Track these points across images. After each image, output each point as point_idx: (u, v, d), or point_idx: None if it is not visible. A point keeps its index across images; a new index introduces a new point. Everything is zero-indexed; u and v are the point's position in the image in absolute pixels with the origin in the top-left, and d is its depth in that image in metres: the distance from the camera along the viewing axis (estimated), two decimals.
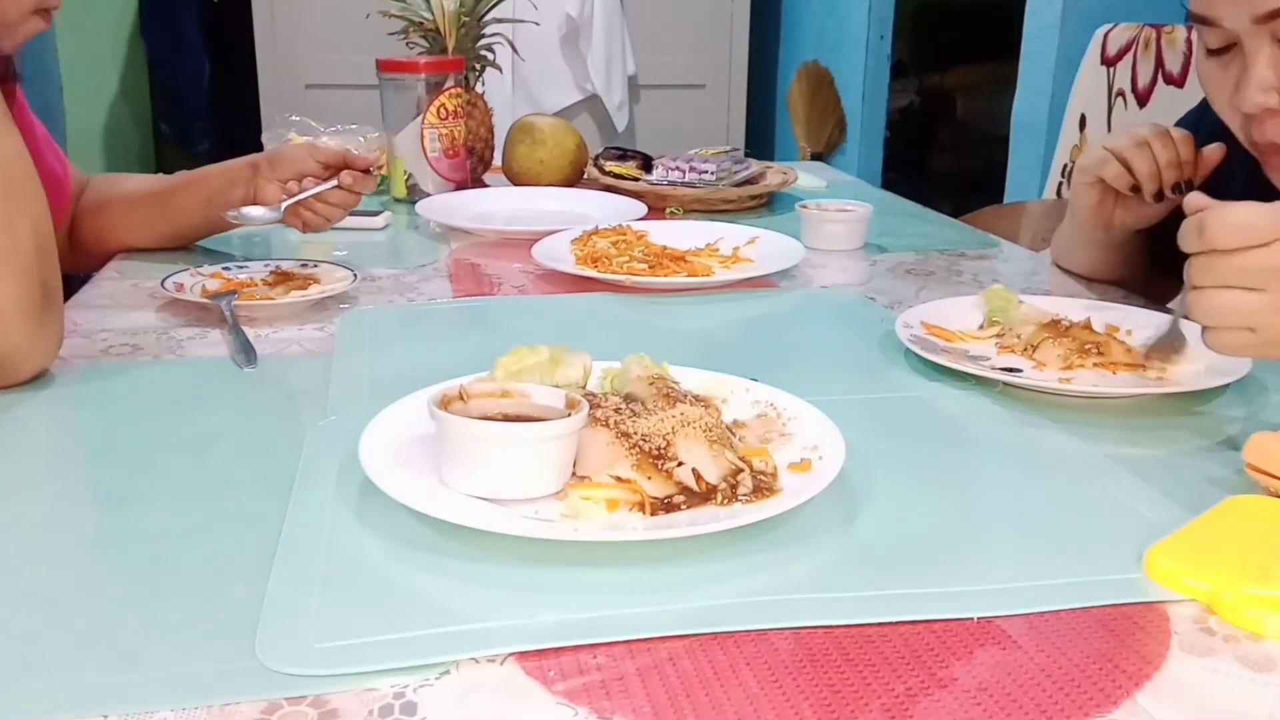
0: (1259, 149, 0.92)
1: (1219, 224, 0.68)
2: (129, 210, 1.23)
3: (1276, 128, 0.88)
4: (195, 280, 1.06)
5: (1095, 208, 1.07)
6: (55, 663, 0.49)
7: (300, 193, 1.15)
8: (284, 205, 1.15)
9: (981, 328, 0.96)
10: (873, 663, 0.49)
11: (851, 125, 3.41)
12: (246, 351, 0.89)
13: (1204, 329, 0.71)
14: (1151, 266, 1.15)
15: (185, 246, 1.26)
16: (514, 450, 0.62)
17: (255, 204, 1.15)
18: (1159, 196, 1.01)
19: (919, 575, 0.57)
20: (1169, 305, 0.97)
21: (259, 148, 1.48)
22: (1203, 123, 1.02)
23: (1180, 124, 1.11)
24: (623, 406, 0.68)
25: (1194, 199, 0.71)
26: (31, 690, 0.47)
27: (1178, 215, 1.03)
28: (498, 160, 1.67)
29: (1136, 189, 1.02)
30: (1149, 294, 1.14)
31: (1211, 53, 0.91)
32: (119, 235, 1.24)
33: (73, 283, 1.02)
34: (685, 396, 0.70)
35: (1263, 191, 0.96)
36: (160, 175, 1.27)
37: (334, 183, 1.16)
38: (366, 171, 1.17)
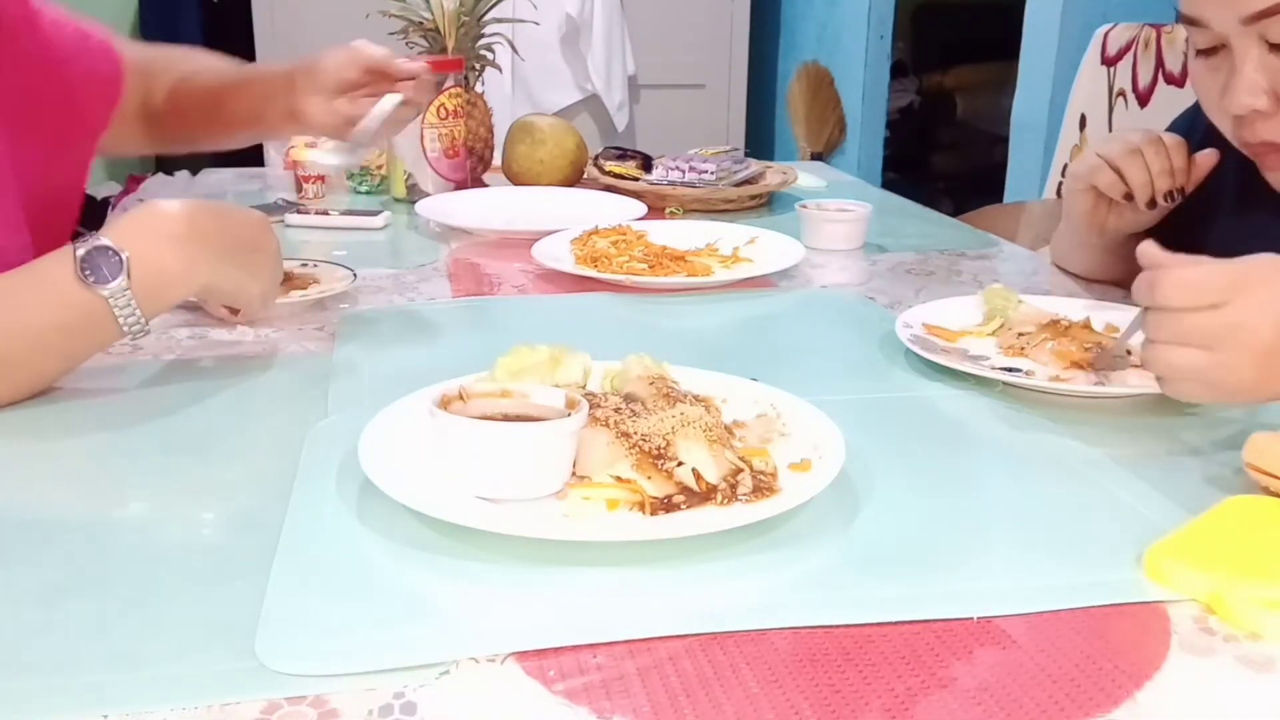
0: (1252, 149, 0.92)
1: (1170, 284, 0.67)
2: (192, 113, 1.14)
3: (1266, 128, 0.88)
4: None
5: (1088, 214, 1.07)
6: (55, 663, 0.49)
7: (357, 112, 1.04)
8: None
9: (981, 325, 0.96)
10: (873, 662, 0.49)
11: (851, 125, 3.41)
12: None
13: (1159, 378, 0.71)
14: None
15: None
16: (514, 450, 0.62)
17: (299, 120, 1.05)
18: (1152, 204, 1.01)
19: (919, 575, 0.57)
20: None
21: (259, 147, 1.48)
22: (1196, 125, 1.02)
23: (1173, 126, 1.10)
24: (623, 406, 0.68)
25: (1146, 251, 0.71)
26: (31, 690, 0.47)
27: (1175, 217, 1.03)
28: (498, 160, 1.67)
29: (1130, 196, 1.02)
30: None
31: (1201, 53, 0.91)
32: (193, 135, 1.18)
33: None
34: (685, 396, 0.70)
35: (1255, 194, 0.96)
36: (219, 71, 1.16)
37: (395, 99, 1.05)
38: (417, 78, 1.06)
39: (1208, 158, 1.00)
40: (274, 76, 1.06)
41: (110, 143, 1.10)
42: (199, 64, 1.16)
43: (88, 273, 0.74)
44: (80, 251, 0.74)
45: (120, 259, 0.75)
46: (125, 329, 0.77)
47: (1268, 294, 0.66)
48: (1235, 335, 0.66)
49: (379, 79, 1.04)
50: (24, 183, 0.93)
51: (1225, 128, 0.93)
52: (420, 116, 1.40)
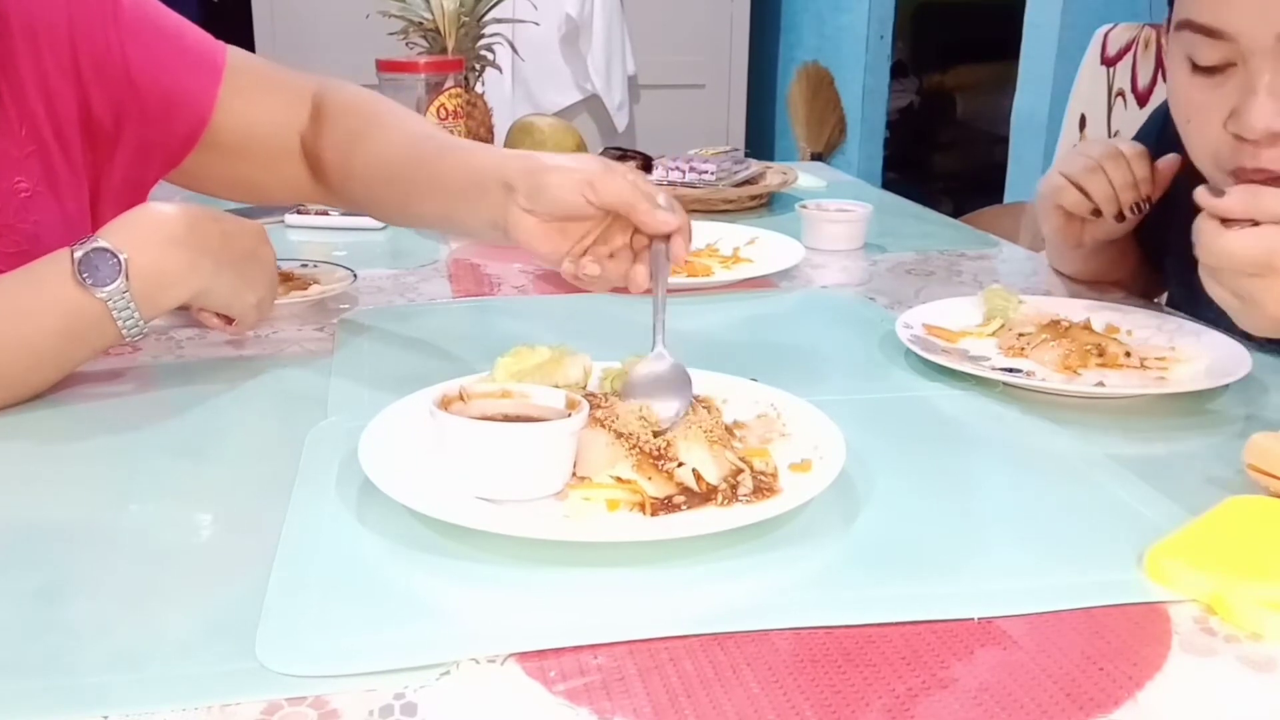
0: (1243, 174, 0.82)
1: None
2: (371, 185, 0.92)
3: (1273, 155, 0.81)
4: None
5: (1061, 230, 1.07)
6: (56, 663, 0.49)
7: (600, 270, 0.77)
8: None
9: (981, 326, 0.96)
10: (873, 663, 0.49)
11: (851, 125, 3.41)
12: None
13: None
14: (1142, 264, 1.15)
15: None
16: (514, 450, 0.62)
17: (507, 235, 0.77)
18: (1120, 217, 1.01)
19: (919, 575, 0.57)
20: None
21: None
22: (1166, 127, 1.01)
23: (1140, 134, 1.10)
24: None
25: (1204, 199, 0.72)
26: (32, 690, 0.47)
27: (1162, 213, 1.03)
28: None
29: (1098, 212, 1.01)
30: (1146, 292, 1.14)
31: (1200, 69, 0.83)
32: (363, 204, 0.98)
33: None
34: None
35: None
36: (408, 141, 0.90)
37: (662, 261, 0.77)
38: (670, 236, 0.77)
39: (1169, 164, 0.99)
40: (486, 178, 0.79)
41: (270, 188, 1.02)
42: (388, 122, 0.94)
43: (85, 275, 0.74)
44: (78, 253, 0.74)
45: (119, 260, 0.74)
46: (124, 331, 0.76)
47: None
48: None
49: (615, 221, 0.77)
50: (101, 200, 0.92)
51: (1208, 147, 0.86)
52: None
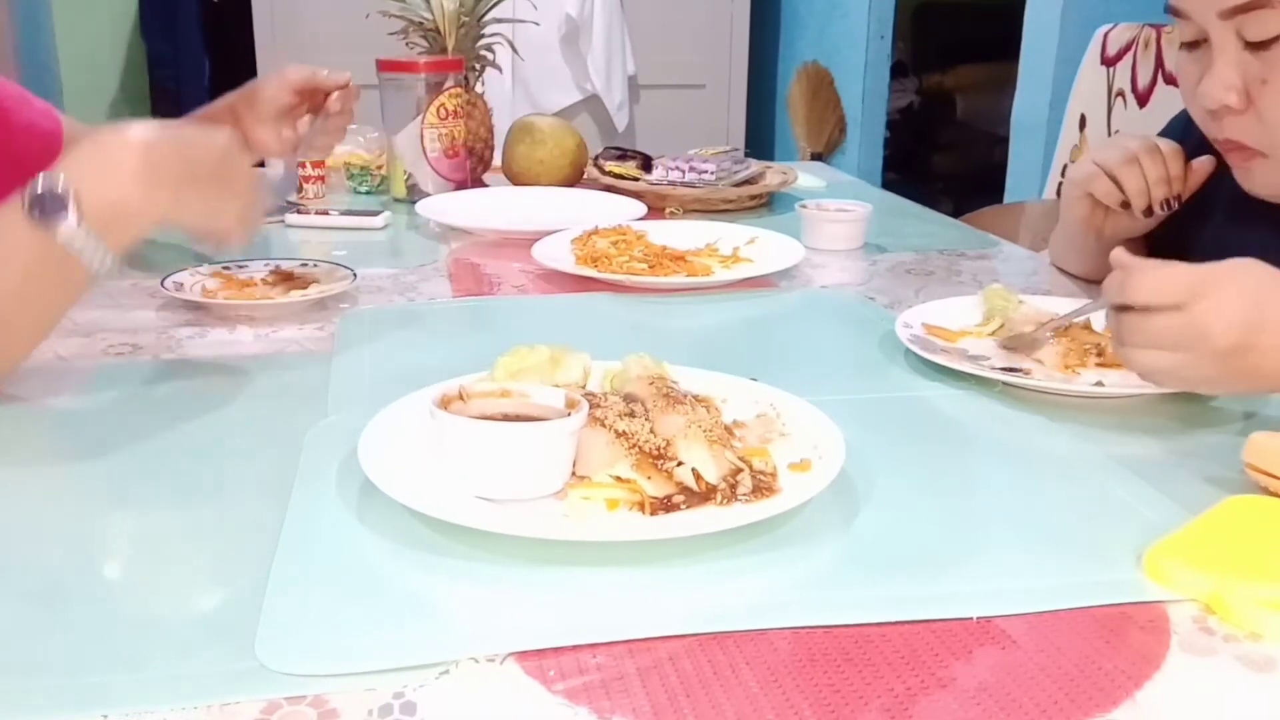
0: (1220, 145, 0.92)
1: (1135, 284, 0.70)
2: None
3: (1234, 125, 0.89)
4: (195, 279, 1.06)
5: (1085, 220, 1.07)
6: (55, 663, 0.49)
7: (297, 135, 1.19)
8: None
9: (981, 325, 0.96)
10: (873, 663, 0.49)
11: (851, 125, 3.41)
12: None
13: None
14: None
15: None
16: (514, 450, 0.62)
17: (252, 148, 1.17)
18: (1148, 212, 1.01)
19: (919, 575, 0.57)
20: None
21: None
22: (1190, 129, 1.02)
23: (1168, 129, 1.10)
24: (622, 406, 0.68)
25: (1116, 254, 0.74)
26: (31, 690, 0.47)
27: (1169, 222, 1.03)
28: (498, 160, 1.66)
29: (1126, 204, 1.02)
30: None
31: (1185, 45, 0.91)
32: None
33: None
34: (685, 397, 0.70)
35: (1247, 202, 0.95)
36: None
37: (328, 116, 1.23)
38: (345, 87, 1.23)
39: (1204, 165, 1.00)
40: (216, 114, 1.17)
41: None
42: None
43: (36, 213, 0.70)
44: (28, 195, 0.70)
45: (66, 199, 0.70)
46: (91, 268, 0.72)
47: (1225, 296, 0.68)
48: (1195, 337, 0.68)
49: (312, 95, 1.19)
50: None
51: (1199, 120, 0.94)
52: (421, 118, 1.47)
